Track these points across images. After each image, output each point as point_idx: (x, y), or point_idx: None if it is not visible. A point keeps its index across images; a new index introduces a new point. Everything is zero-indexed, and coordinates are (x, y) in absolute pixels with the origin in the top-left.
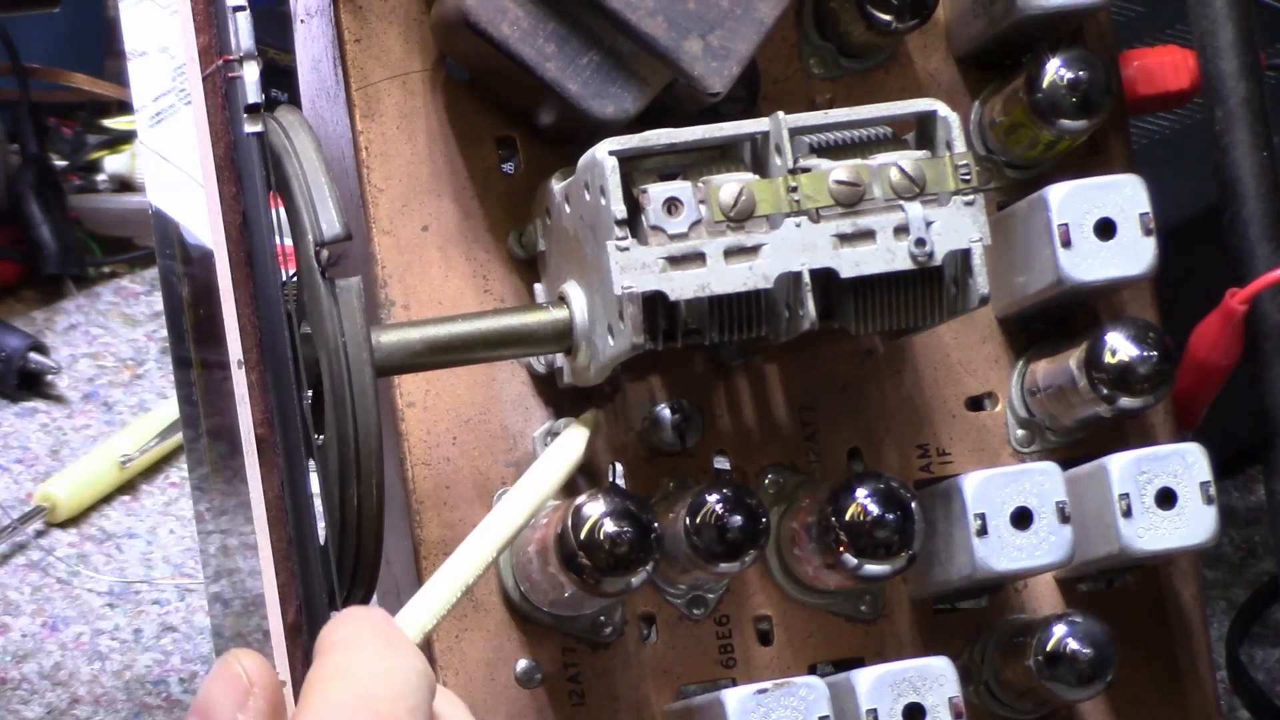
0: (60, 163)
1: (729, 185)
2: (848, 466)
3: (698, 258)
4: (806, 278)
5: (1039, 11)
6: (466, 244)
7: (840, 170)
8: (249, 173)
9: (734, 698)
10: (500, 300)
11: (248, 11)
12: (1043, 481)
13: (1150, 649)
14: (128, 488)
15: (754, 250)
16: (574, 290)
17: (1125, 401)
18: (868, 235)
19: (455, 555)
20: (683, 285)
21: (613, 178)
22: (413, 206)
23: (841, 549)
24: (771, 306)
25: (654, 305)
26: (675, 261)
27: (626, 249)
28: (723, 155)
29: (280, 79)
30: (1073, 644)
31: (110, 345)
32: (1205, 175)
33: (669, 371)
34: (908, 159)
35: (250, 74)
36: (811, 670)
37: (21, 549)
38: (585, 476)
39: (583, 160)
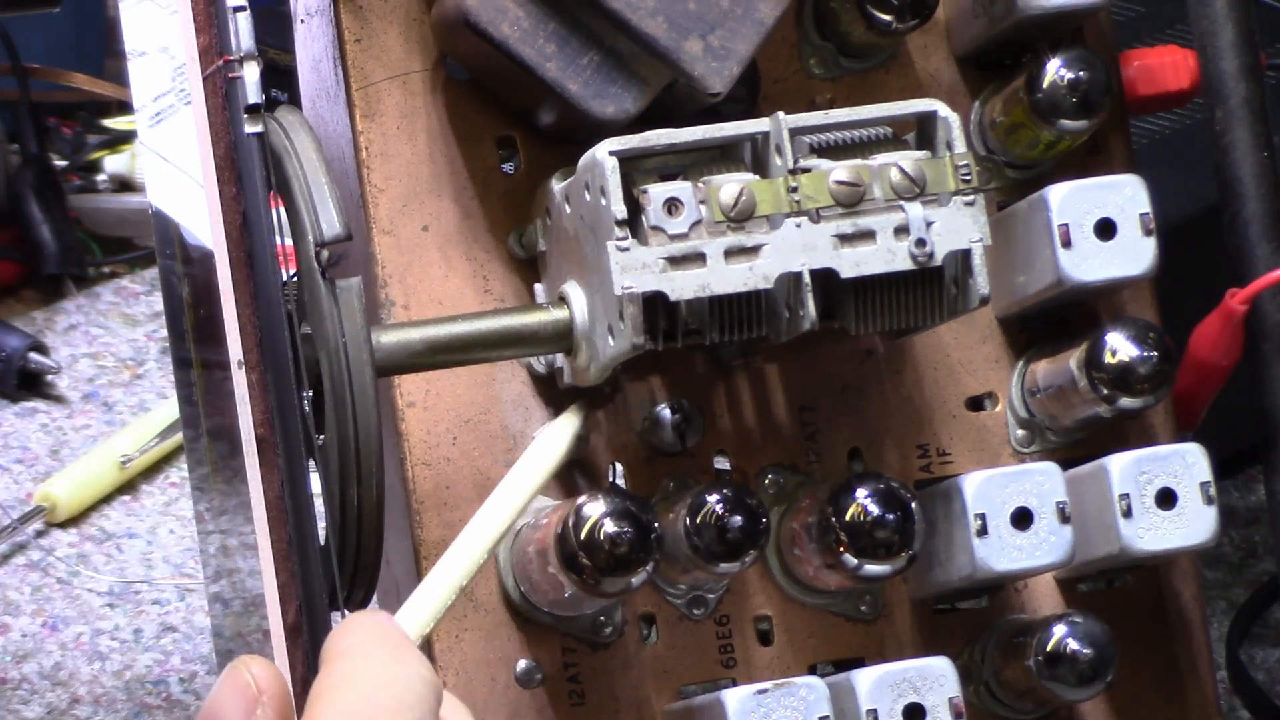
0: (60, 163)
1: (729, 185)
2: (848, 467)
3: (698, 258)
4: (807, 278)
5: (1039, 11)
6: (467, 244)
7: (840, 170)
8: (249, 173)
9: (734, 698)
10: (500, 300)
11: (248, 11)
12: (1043, 482)
13: (1150, 649)
14: (128, 488)
15: (754, 250)
16: (574, 290)
17: (1125, 402)
18: (868, 235)
19: (447, 555)
20: (683, 285)
21: (613, 178)
22: (413, 206)
23: (841, 549)
24: (772, 307)
25: (654, 305)
26: (675, 262)
27: (627, 249)
28: (723, 155)
29: (280, 79)
30: (1073, 644)
31: (110, 345)
32: (1205, 175)
33: (669, 372)
34: (908, 159)
35: (250, 74)
36: (811, 670)
37: (21, 549)
38: (585, 477)
39: (583, 160)
